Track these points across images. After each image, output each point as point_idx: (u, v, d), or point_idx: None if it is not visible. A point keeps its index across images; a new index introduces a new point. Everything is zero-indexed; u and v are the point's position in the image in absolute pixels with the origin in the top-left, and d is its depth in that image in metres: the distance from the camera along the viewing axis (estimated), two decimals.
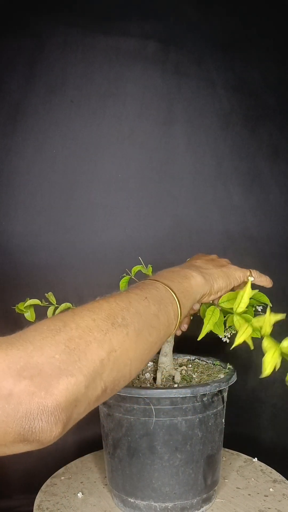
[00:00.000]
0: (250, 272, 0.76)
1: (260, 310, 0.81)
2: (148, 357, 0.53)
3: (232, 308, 0.68)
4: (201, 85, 1.14)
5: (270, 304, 0.79)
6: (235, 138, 1.16)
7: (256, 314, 0.80)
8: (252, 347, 0.64)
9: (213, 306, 0.71)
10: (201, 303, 0.78)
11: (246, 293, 0.66)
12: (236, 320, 0.66)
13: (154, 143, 1.15)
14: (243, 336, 0.62)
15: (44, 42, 1.09)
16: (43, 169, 1.12)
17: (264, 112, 1.16)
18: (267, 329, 0.60)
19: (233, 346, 0.65)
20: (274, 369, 0.59)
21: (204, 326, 0.69)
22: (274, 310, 0.81)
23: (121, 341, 0.48)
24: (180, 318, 0.59)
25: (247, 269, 0.77)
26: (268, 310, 0.62)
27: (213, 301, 0.76)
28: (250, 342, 0.64)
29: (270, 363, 0.58)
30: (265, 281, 0.79)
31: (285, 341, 0.59)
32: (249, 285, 0.66)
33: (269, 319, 0.60)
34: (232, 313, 0.75)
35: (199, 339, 0.69)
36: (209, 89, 1.15)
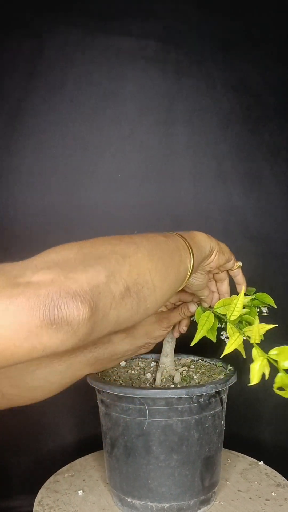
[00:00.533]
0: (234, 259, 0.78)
1: (264, 311, 0.81)
2: (167, 277, 0.54)
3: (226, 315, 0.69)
4: (201, 85, 1.14)
5: (274, 306, 0.79)
6: (235, 138, 1.16)
7: (259, 315, 0.80)
8: (244, 356, 0.64)
9: (208, 311, 0.71)
10: (199, 305, 0.78)
11: (240, 301, 0.66)
12: (229, 328, 0.67)
13: (154, 143, 1.15)
14: (233, 345, 0.63)
15: (44, 42, 1.09)
16: (43, 169, 1.12)
17: (264, 112, 1.16)
18: (256, 338, 0.61)
19: (222, 354, 0.67)
20: (264, 377, 0.60)
21: (198, 331, 0.70)
22: (275, 310, 0.81)
23: (133, 251, 0.50)
24: (194, 261, 0.61)
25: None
26: (256, 319, 0.62)
27: (210, 306, 0.76)
28: (242, 351, 0.64)
29: (257, 372, 0.59)
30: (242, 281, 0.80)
31: (273, 350, 0.59)
32: (242, 293, 0.67)
33: (257, 329, 0.60)
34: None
35: (192, 344, 0.70)
36: (209, 89, 1.14)
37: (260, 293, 0.81)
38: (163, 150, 1.15)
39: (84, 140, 1.13)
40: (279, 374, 0.59)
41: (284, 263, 1.17)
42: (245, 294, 0.83)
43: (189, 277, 0.62)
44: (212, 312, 0.71)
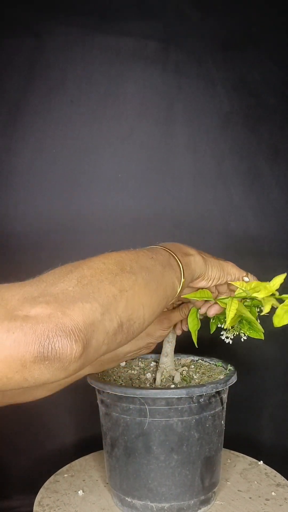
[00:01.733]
0: (247, 274, 0.76)
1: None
2: (158, 310, 0.55)
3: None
4: (201, 85, 1.14)
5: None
6: (235, 138, 1.16)
7: (260, 315, 0.80)
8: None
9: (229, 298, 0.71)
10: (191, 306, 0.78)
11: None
12: (222, 303, 0.69)
13: (154, 143, 1.15)
14: (231, 313, 0.66)
15: (44, 42, 1.09)
16: (43, 169, 1.12)
17: (264, 112, 1.16)
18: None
19: (226, 324, 0.68)
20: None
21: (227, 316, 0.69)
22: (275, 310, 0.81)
23: (131, 285, 0.50)
24: (182, 284, 0.60)
25: (246, 271, 0.77)
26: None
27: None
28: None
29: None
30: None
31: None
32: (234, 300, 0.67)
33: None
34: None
35: (225, 326, 0.72)
36: (209, 89, 1.14)
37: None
38: (163, 150, 1.15)
39: (84, 140, 1.13)
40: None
41: (284, 263, 1.17)
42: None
43: (175, 298, 0.62)
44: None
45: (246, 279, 0.74)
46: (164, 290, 0.57)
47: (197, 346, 0.77)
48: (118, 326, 0.48)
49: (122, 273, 0.50)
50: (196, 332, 0.77)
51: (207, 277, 0.70)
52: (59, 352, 0.40)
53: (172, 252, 0.62)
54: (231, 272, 0.73)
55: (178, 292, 0.61)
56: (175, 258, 0.62)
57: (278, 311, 0.63)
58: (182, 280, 0.61)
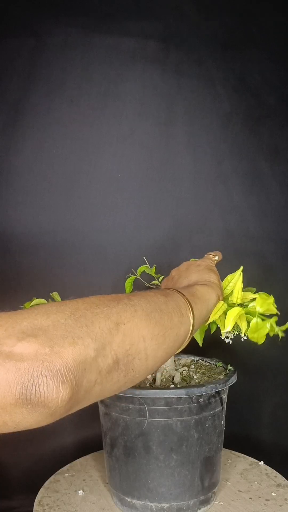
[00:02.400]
0: (210, 254, 0.78)
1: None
2: (164, 342, 0.51)
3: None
4: (201, 85, 1.14)
5: (277, 312, 0.79)
6: (235, 138, 1.16)
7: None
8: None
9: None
10: None
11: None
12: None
13: (154, 143, 1.15)
14: (217, 313, 0.65)
15: (44, 42, 1.09)
16: (43, 169, 1.12)
17: (264, 112, 1.16)
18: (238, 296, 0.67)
19: (224, 330, 0.68)
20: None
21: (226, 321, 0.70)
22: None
23: (130, 317, 0.47)
24: (195, 318, 0.57)
25: (206, 255, 0.79)
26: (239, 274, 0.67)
27: None
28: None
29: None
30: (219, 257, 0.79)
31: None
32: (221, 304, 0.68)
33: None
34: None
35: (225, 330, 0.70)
36: (209, 89, 1.14)
37: (260, 293, 0.81)
38: (163, 150, 1.15)
39: (84, 140, 1.13)
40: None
41: (284, 263, 1.17)
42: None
43: (190, 338, 0.58)
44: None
45: (215, 258, 0.77)
46: (169, 318, 0.53)
47: (201, 345, 0.77)
48: (113, 363, 0.44)
49: (119, 305, 0.47)
50: (204, 332, 0.76)
51: (220, 286, 0.70)
52: (44, 395, 0.37)
53: (176, 289, 0.59)
54: (211, 263, 0.75)
55: (191, 328, 0.56)
56: (180, 294, 0.58)
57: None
58: (192, 311, 0.57)
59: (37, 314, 0.41)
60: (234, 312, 0.64)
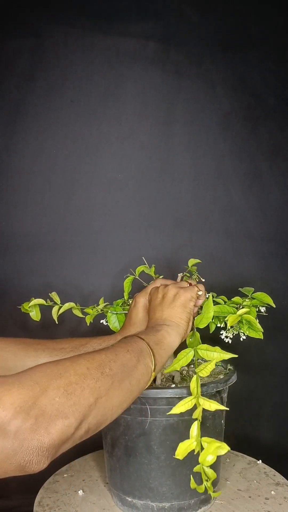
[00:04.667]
0: (197, 287, 0.78)
1: (263, 311, 0.81)
2: (125, 405, 0.60)
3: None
4: (201, 85, 1.14)
5: (273, 305, 0.79)
6: (235, 138, 1.16)
7: (259, 314, 0.80)
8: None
9: (188, 349, 0.72)
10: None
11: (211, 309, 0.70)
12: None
13: (154, 143, 1.15)
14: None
15: (44, 42, 1.09)
16: (43, 169, 1.12)
17: (264, 112, 1.16)
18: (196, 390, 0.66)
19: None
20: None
21: (174, 362, 0.71)
22: (275, 309, 0.81)
23: (107, 389, 0.56)
24: (155, 366, 0.65)
25: (187, 283, 0.80)
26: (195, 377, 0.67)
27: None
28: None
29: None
30: (201, 301, 0.80)
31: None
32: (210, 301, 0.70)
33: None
34: (233, 313, 0.76)
35: (166, 371, 0.74)
36: (209, 89, 1.14)
37: (259, 293, 0.81)
38: (163, 150, 1.16)
39: (84, 140, 1.13)
40: None
41: (284, 263, 1.18)
42: (243, 295, 0.83)
43: (151, 380, 0.66)
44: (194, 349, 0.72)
45: (200, 292, 0.77)
46: (137, 382, 0.62)
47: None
48: (85, 433, 0.53)
49: (101, 377, 0.56)
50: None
51: (189, 327, 0.74)
52: (33, 467, 0.47)
53: (143, 339, 0.67)
54: (189, 298, 0.76)
55: (152, 374, 0.65)
56: (146, 344, 0.66)
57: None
58: (153, 361, 0.65)
59: (39, 391, 0.49)
60: None
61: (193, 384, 0.66)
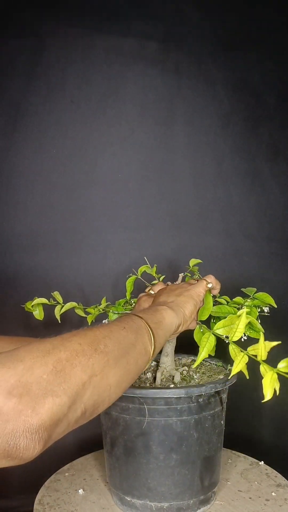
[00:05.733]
0: (206, 280, 0.78)
1: (266, 311, 0.81)
2: (126, 384, 0.57)
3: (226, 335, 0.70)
4: (201, 85, 1.14)
5: (275, 305, 0.79)
6: (235, 138, 1.16)
7: (260, 314, 0.80)
8: (247, 377, 0.65)
9: (208, 332, 0.72)
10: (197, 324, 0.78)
11: (242, 322, 0.66)
12: (232, 349, 0.67)
13: (154, 143, 1.15)
14: (239, 366, 0.65)
15: (44, 42, 1.09)
16: (43, 169, 1.12)
17: (264, 112, 1.16)
18: (263, 355, 0.61)
19: (230, 375, 0.72)
20: (276, 393, 0.60)
21: (199, 353, 0.71)
22: (276, 310, 0.81)
23: (101, 367, 0.52)
24: (154, 347, 0.62)
25: (201, 278, 0.79)
26: (261, 337, 0.62)
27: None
28: (245, 372, 0.65)
29: (268, 387, 0.60)
30: (217, 289, 0.80)
31: (281, 362, 0.59)
32: (243, 314, 0.66)
33: (263, 346, 0.61)
34: (233, 313, 0.76)
35: (194, 366, 0.75)
36: (209, 89, 1.14)
37: (260, 293, 0.81)
38: (163, 150, 1.16)
39: (84, 140, 1.13)
40: None
41: (285, 263, 1.17)
42: (245, 295, 0.83)
43: (150, 362, 0.64)
44: (212, 333, 0.72)
45: (209, 285, 0.77)
46: (135, 361, 0.58)
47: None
48: (81, 414, 0.49)
49: (95, 353, 0.52)
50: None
51: (188, 318, 0.72)
52: (22, 452, 0.43)
53: (141, 317, 0.64)
54: (198, 292, 0.75)
55: (152, 353, 0.62)
56: (144, 322, 0.63)
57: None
58: (153, 340, 0.63)
59: (23, 369, 0.45)
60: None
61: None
